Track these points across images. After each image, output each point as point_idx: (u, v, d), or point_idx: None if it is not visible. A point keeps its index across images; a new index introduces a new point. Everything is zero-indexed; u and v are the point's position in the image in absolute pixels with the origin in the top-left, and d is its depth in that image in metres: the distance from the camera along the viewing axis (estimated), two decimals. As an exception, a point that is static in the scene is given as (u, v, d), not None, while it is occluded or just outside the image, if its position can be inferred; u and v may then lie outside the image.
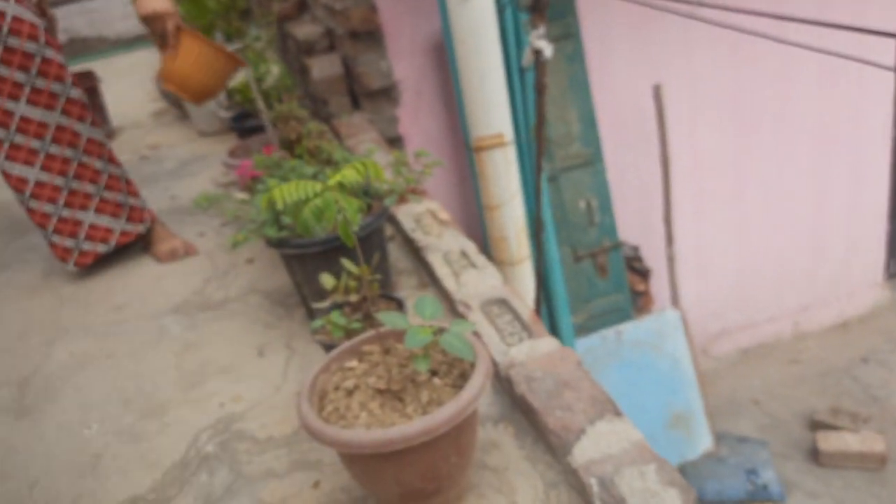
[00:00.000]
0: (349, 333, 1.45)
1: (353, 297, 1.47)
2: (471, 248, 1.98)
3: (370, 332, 1.33)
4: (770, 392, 4.15)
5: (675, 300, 3.88)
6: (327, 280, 1.49)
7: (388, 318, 1.18)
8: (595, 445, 1.28)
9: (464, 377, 1.22)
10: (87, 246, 2.35)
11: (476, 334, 1.58)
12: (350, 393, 1.23)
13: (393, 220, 2.25)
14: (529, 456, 1.37)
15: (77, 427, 1.72)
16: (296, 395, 1.66)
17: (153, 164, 3.56)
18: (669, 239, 3.85)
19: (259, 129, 3.05)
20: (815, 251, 4.56)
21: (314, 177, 1.79)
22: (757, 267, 4.48)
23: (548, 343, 1.54)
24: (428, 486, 1.19)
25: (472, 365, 1.20)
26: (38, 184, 2.23)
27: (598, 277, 3.64)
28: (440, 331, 1.20)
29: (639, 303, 3.95)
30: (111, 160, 2.35)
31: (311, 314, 1.83)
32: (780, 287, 4.59)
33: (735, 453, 3.64)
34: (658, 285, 4.09)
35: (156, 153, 3.75)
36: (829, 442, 3.56)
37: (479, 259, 1.92)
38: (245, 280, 2.21)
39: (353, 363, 1.30)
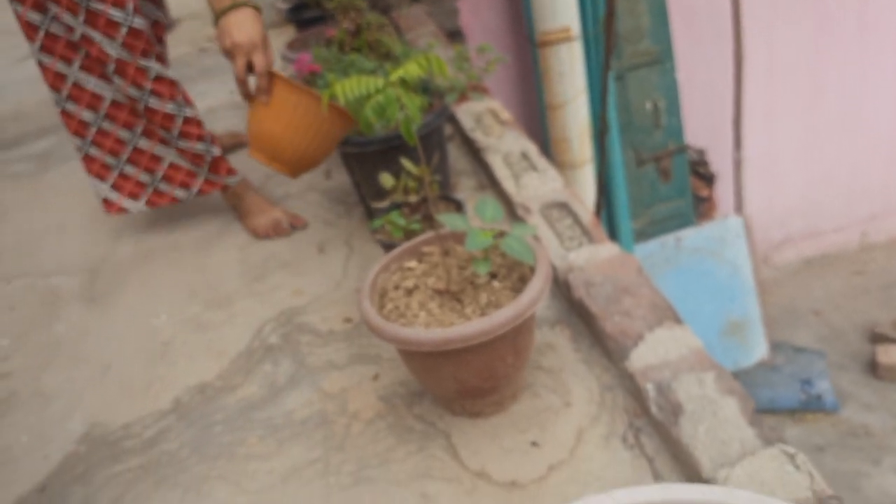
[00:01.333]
0: (408, 234, 1.45)
1: (413, 198, 1.46)
2: (532, 149, 1.94)
3: (430, 233, 1.32)
4: (831, 303, 4.06)
5: (738, 207, 3.78)
6: (387, 179, 1.48)
7: (449, 220, 1.17)
8: (653, 351, 1.28)
9: (523, 281, 1.21)
10: (164, 186, 1.99)
11: (535, 238, 1.56)
12: (410, 292, 1.24)
13: (452, 119, 2.21)
14: (585, 359, 1.37)
15: (146, 316, 1.79)
16: (355, 291, 1.69)
17: (212, 56, 3.55)
18: (737, 143, 3.71)
19: (318, 21, 2.98)
20: (889, 159, 4.33)
21: (374, 72, 1.75)
22: (828, 174, 4.30)
23: (608, 248, 1.52)
24: (484, 384, 1.21)
25: (532, 269, 1.19)
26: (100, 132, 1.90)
27: (660, 182, 3.55)
28: (501, 234, 1.19)
29: (701, 209, 3.85)
30: (187, 101, 1.90)
31: (370, 213, 1.84)
32: (850, 196, 4.41)
33: (791, 363, 3.61)
34: (722, 191, 3.97)
35: (214, 46, 3.73)
36: (889, 355, 3.50)
37: (540, 161, 1.87)
38: (304, 177, 2.22)
39: (413, 263, 1.30)
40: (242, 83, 1.58)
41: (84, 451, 1.42)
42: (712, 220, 3.82)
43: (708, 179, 3.87)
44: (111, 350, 1.70)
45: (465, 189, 1.97)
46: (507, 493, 1.16)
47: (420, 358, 1.18)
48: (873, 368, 3.53)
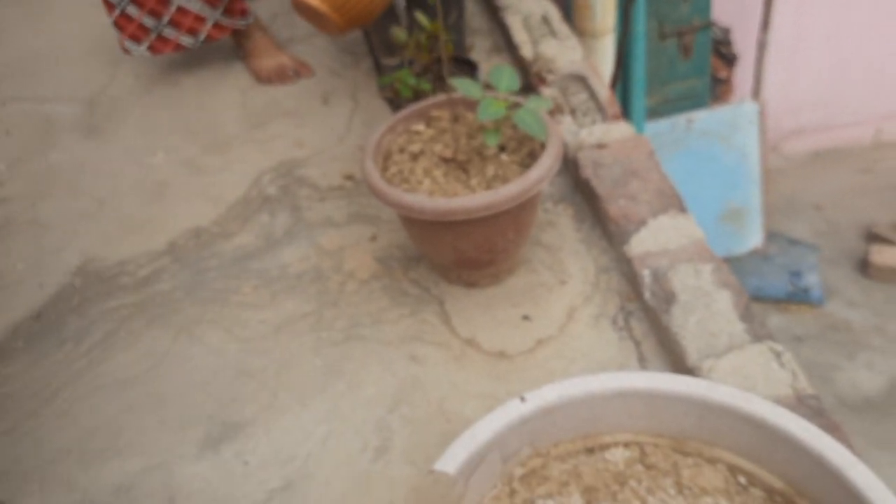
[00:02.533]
0: (417, 94, 1.39)
1: (425, 57, 1.39)
2: (554, 13, 1.84)
3: (441, 96, 1.27)
4: (834, 198, 4.04)
5: (756, 92, 3.67)
6: (399, 34, 1.40)
7: (463, 85, 1.12)
8: (654, 238, 1.27)
9: (532, 156, 1.18)
10: (169, 31, 1.85)
11: (550, 113, 1.51)
12: (415, 157, 1.20)
13: (473, -28, 2.08)
14: (585, 239, 1.36)
15: (143, 153, 1.75)
16: (358, 148, 1.65)
17: None
18: (765, 24, 3.54)
19: None
20: (919, 57, 4.17)
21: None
22: (851, 67, 4.14)
23: (622, 129, 1.47)
24: (483, 256, 1.20)
25: (543, 145, 1.15)
26: None
27: (680, 58, 3.41)
28: (514, 105, 1.14)
29: (717, 91, 3.74)
30: None
31: (379, 67, 1.76)
32: (870, 91, 4.27)
33: (783, 254, 3.63)
34: (742, 75, 3.83)
35: None
36: (882, 255, 3.52)
37: (562, 28, 1.78)
38: (312, 21, 2.12)
39: (420, 127, 1.26)
40: None
41: (79, 283, 1.43)
42: (727, 103, 3.71)
43: (729, 60, 3.72)
44: (107, 185, 1.68)
45: (480, 51, 1.89)
46: (494, 362, 1.18)
47: (420, 225, 1.16)
48: (864, 267, 3.56)
